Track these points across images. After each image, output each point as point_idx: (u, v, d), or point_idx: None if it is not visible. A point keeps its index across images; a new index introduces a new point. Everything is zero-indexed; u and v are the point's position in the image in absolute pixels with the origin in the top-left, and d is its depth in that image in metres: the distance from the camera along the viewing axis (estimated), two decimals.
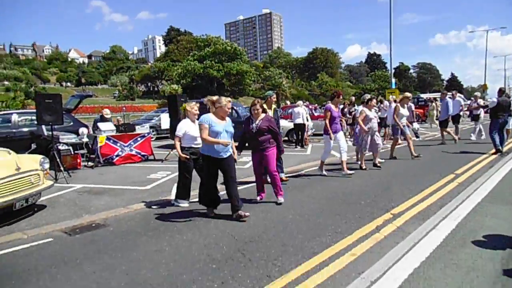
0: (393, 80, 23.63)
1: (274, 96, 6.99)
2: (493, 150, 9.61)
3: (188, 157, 5.42)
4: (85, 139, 9.79)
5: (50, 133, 9.35)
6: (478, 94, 10.24)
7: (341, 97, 7.84)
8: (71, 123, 11.14)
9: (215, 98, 5.00)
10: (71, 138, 9.70)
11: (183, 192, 5.69)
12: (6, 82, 55.91)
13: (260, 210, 5.24)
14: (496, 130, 9.58)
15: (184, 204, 5.66)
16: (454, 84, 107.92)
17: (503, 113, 9.40)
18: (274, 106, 6.98)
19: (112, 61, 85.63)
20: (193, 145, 5.50)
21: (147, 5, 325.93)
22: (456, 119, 13.11)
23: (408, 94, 10.47)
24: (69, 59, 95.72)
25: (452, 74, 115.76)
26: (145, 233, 4.48)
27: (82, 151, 10.60)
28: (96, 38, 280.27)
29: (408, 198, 5.46)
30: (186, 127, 5.46)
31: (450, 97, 13.02)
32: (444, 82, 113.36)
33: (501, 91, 9.54)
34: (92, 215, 5.42)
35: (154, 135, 17.07)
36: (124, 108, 12.38)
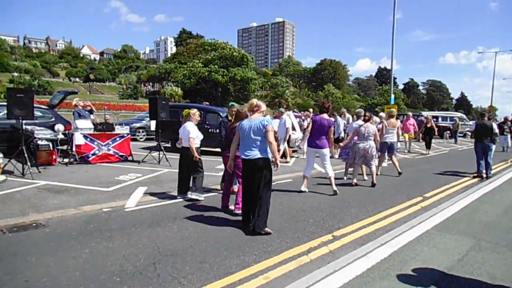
0: (392, 96, 23.42)
1: (235, 108, 6.95)
2: (476, 174, 9.44)
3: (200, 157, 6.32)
4: (60, 136, 9.72)
5: (26, 127, 9.37)
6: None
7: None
8: (52, 119, 11.12)
9: (256, 102, 5.01)
10: (47, 133, 9.63)
11: (200, 186, 6.32)
12: (15, 74, 56.71)
13: (203, 221, 5.08)
14: (479, 155, 9.34)
15: (202, 197, 6.25)
16: (463, 104, 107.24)
17: (484, 137, 9.15)
18: None
19: (122, 59, 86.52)
20: (198, 145, 6.34)
21: (164, 8, 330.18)
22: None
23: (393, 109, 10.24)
24: (81, 55, 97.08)
25: (462, 93, 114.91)
26: (76, 237, 4.35)
27: (61, 147, 10.55)
28: (111, 36, 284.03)
29: (360, 220, 5.26)
30: (197, 130, 6.28)
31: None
32: (454, 100, 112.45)
33: (482, 115, 9.32)
34: (39, 214, 5.31)
35: (143, 135, 17.03)
36: (105, 107, 12.32)
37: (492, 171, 9.83)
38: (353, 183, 8.00)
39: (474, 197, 6.80)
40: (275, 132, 10.53)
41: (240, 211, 5.26)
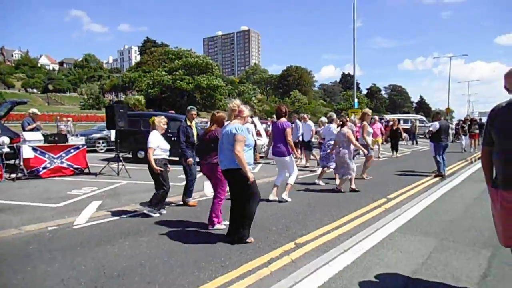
0: (356, 101, 23.84)
1: (195, 111, 6.66)
2: (436, 173, 9.62)
3: (162, 169, 5.59)
4: (5, 149, 8.96)
5: None
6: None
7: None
8: None
9: (238, 106, 4.44)
10: None
11: (161, 201, 5.78)
12: None
13: (159, 235, 4.72)
14: (440, 154, 9.56)
15: (156, 214, 5.70)
16: (423, 107, 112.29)
17: (445, 137, 9.43)
18: (194, 121, 6.62)
19: (83, 69, 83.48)
20: (165, 156, 5.77)
21: (129, 17, 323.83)
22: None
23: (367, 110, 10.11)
24: (39, 65, 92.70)
25: (421, 97, 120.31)
26: (11, 262, 3.86)
27: (8, 162, 9.73)
28: (72, 46, 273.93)
29: (325, 225, 5.09)
30: (158, 139, 5.66)
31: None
32: (414, 104, 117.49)
33: (437, 114, 9.62)
34: None
35: (104, 146, 16.27)
36: (58, 117, 11.48)
37: (451, 170, 10.09)
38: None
39: (435, 196, 6.86)
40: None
41: (216, 226, 4.97)
